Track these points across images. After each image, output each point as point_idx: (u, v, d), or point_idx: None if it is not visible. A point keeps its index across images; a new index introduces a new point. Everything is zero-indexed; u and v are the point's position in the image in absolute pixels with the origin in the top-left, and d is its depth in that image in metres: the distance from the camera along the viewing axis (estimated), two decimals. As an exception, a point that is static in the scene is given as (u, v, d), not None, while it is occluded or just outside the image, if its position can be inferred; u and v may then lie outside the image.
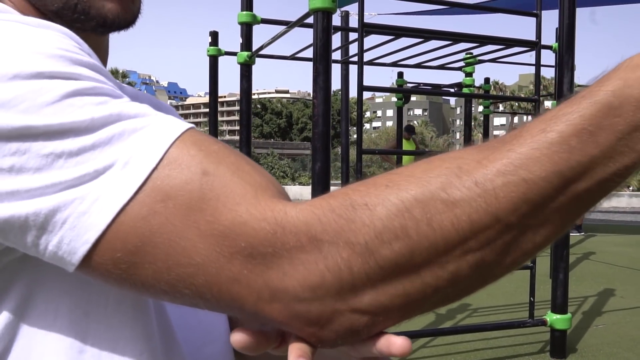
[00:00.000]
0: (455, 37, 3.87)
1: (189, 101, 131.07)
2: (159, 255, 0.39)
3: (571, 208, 0.39)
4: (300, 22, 3.31)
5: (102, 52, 0.62)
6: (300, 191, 19.86)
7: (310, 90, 2.83)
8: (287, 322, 0.40)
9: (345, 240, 0.38)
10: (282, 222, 0.39)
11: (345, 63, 6.56)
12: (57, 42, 0.43)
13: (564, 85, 3.29)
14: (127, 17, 0.58)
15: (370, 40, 4.51)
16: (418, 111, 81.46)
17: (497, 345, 3.88)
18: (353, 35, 5.85)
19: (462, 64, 6.76)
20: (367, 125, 67.78)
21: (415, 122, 52.41)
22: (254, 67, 4.66)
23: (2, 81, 0.39)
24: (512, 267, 0.41)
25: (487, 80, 9.16)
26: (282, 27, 3.82)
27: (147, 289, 0.41)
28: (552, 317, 3.59)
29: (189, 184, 0.40)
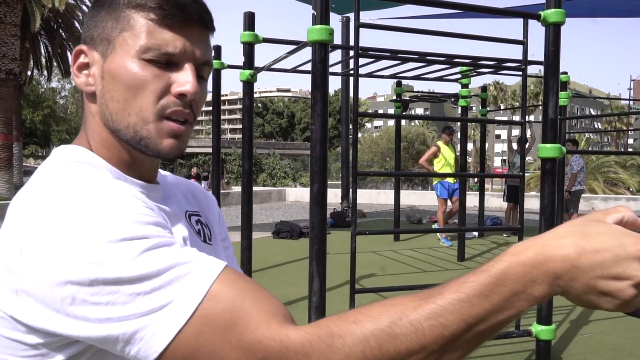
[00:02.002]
0: (445, 58, 4.05)
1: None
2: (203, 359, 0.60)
3: (474, 340, 0.60)
4: (298, 50, 3.50)
5: (155, 161, 0.83)
6: (302, 193, 19.19)
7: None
8: None
9: (326, 358, 0.58)
10: (286, 343, 0.59)
11: (345, 75, 6.75)
12: (133, 208, 0.66)
13: (549, 109, 3.47)
14: (176, 153, 0.79)
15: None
16: (420, 111, 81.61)
17: (487, 353, 4.07)
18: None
19: (459, 75, 6.94)
20: (368, 125, 67.85)
21: (416, 122, 52.43)
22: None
23: (101, 244, 0.61)
24: None
25: (484, 88, 9.34)
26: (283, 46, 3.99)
27: None
28: (537, 328, 3.77)
29: (224, 312, 0.61)
